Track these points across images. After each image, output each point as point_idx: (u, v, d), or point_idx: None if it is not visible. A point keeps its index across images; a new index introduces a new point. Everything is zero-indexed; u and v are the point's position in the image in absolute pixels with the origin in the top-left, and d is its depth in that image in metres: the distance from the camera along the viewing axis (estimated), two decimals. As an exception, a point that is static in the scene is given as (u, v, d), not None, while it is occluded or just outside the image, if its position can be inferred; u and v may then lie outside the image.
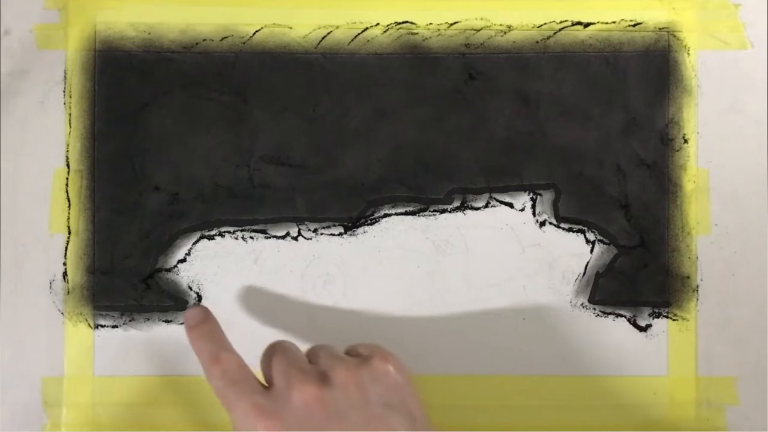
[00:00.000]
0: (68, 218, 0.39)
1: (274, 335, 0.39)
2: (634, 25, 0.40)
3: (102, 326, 0.39)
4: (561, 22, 0.39)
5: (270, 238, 0.39)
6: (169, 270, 0.39)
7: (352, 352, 0.33)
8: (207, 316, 0.34)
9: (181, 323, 0.39)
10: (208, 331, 0.33)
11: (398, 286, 0.39)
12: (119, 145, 0.39)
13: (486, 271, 0.39)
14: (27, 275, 0.39)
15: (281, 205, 0.39)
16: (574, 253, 0.39)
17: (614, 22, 0.40)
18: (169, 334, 0.39)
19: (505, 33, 0.39)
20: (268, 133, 0.39)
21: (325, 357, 0.32)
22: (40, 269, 0.39)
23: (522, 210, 0.39)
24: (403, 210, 0.39)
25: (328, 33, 0.39)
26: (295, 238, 0.39)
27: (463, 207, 0.39)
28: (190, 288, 0.39)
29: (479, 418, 0.39)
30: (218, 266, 0.39)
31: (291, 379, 0.30)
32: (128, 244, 0.39)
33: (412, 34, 0.39)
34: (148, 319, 0.39)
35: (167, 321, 0.39)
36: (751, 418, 0.39)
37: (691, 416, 0.39)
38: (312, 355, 0.32)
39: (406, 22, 0.39)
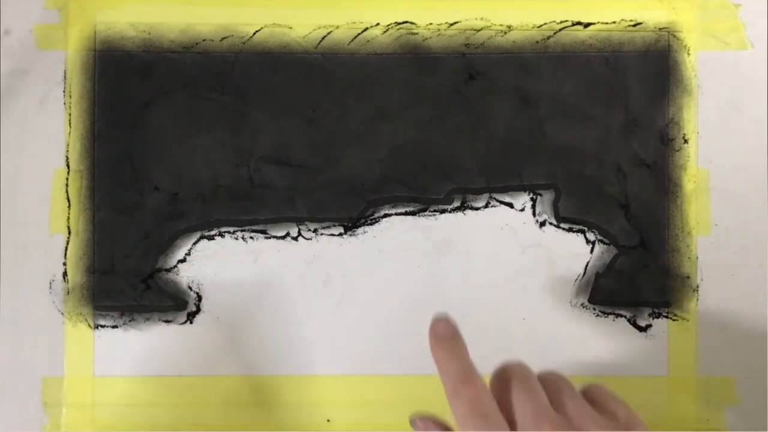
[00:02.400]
0: (68, 218, 0.39)
1: (273, 335, 0.39)
2: (634, 25, 0.40)
3: (102, 326, 0.39)
4: (561, 22, 0.39)
5: (270, 238, 0.39)
6: (169, 270, 0.39)
7: (599, 405, 0.30)
8: (456, 330, 0.32)
9: (181, 323, 0.39)
10: (457, 347, 0.31)
11: (398, 286, 0.39)
12: (119, 145, 0.39)
13: (486, 271, 0.39)
14: (27, 275, 0.39)
15: (281, 205, 0.39)
16: (574, 253, 0.39)
17: (614, 22, 0.40)
18: (169, 334, 0.39)
19: (505, 33, 0.39)
20: (268, 133, 0.39)
21: (574, 408, 0.29)
22: (40, 269, 0.39)
23: (522, 210, 0.39)
24: (403, 210, 0.39)
25: (328, 33, 0.39)
26: (295, 238, 0.39)
27: (463, 207, 0.39)
28: (190, 288, 0.39)
29: (479, 418, 0.39)
30: (218, 266, 0.39)
31: (541, 429, 0.27)
32: (128, 244, 0.39)
33: (412, 34, 0.39)
34: (148, 319, 0.39)
35: (167, 321, 0.39)
36: (751, 418, 0.39)
37: (691, 416, 0.39)
38: (553, 393, 0.30)
39: (406, 22, 0.39)
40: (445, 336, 0.31)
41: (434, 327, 0.32)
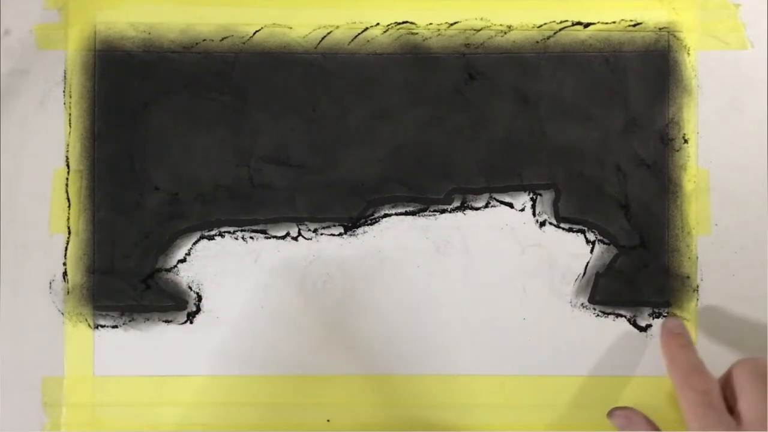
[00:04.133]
0: (68, 218, 0.39)
1: (273, 335, 0.39)
2: (634, 25, 0.40)
3: (102, 326, 0.39)
4: (561, 22, 0.39)
5: (270, 238, 0.39)
6: (169, 270, 0.39)
7: None
8: (687, 329, 0.36)
9: (182, 323, 0.39)
10: (688, 342, 0.35)
11: (398, 286, 0.39)
12: (119, 145, 0.39)
13: (486, 271, 0.39)
14: (27, 275, 0.39)
15: (281, 205, 0.39)
16: (574, 253, 0.39)
17: (614, 22, 0.40)
18: (169, 334, 0.39)
19: (505, 33, 0.39)
20: (268, 133, 0.39)
21: None
22: (40, 269, 0.39)
23: (522, 210, 0.39)
24: (403, 210, 0.39)
25: (328, 33, 0.39)
26: (295, 238, 0.39)
27: (463, 207, 0.39)
28: (190, 288, 0.39)
29: (480, 418, 0.39)
30: (218, 266, 0.39)
31: None
32: (128, 244, 0.39)
33: (412, 34, 0.39)
34: (148, 319, 0.39)
35: (167, 321, 0.39)
36: (751, 418, 0.39)
37: (691, 416, 0.39)
38: None
39: (406, 22, 0.39)
40: (678, 332, 0.35)
41: (667, 324, 0.36)
